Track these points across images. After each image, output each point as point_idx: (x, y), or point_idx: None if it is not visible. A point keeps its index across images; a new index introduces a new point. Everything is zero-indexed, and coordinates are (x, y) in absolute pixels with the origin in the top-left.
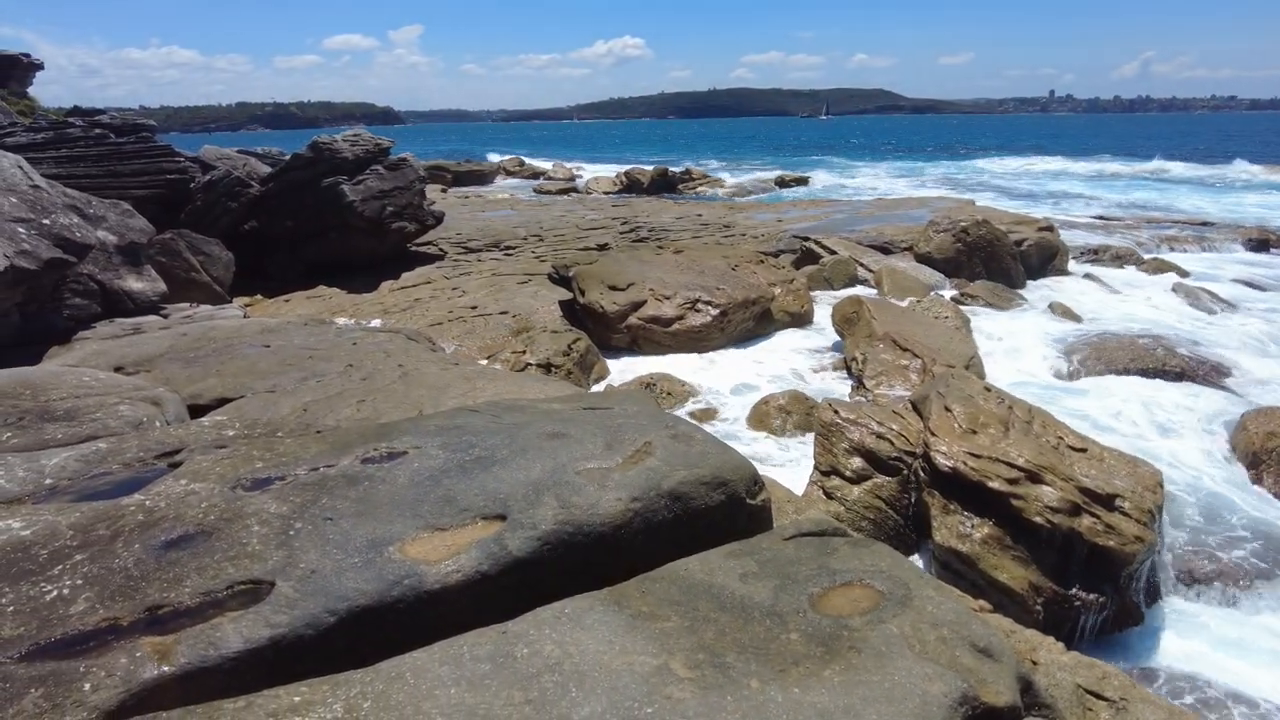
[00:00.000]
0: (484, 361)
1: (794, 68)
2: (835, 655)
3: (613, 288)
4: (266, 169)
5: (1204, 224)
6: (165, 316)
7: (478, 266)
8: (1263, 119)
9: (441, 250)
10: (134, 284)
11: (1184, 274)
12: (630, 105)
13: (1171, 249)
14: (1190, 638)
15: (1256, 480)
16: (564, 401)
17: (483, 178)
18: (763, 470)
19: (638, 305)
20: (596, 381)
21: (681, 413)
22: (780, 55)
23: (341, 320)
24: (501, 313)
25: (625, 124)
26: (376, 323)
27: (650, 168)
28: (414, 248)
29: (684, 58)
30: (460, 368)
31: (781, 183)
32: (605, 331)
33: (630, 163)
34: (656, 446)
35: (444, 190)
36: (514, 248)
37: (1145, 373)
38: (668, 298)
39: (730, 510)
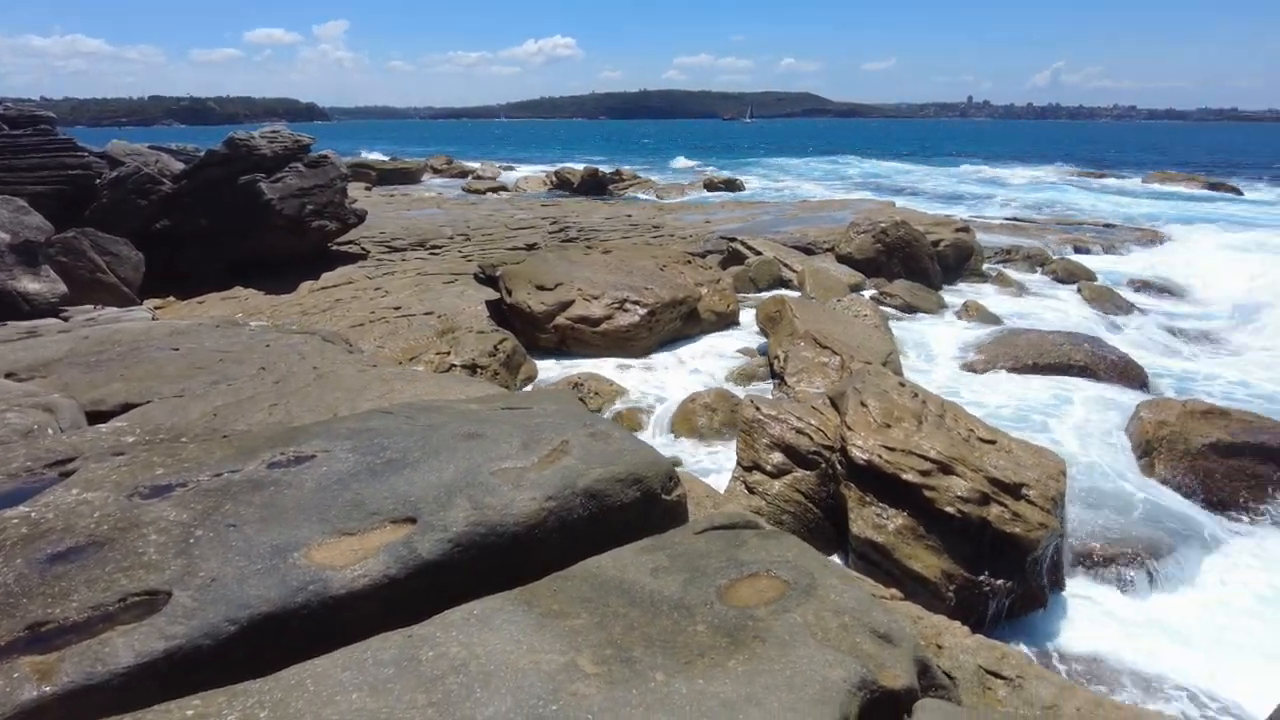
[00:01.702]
0: (407, 364)
1: (724, 70)
2: (740, 645)
3: (540, 287)
4: (180, 166)
5: (1106, 226)
6: (65, 319)
7: (402, 266)
8: (1158, 128)
9: (364, 250)
10: (29, 285)
11: (1090, 275)
12: (561, 105)
13: (1077, 250)
14: (1089, 618)
15: (1149, 468)
16: (483, 402)
17: (409, 176)
18: (687, 467)
19: (566, 305)
20: (524, 383)
21: (610, 412)
22: (711, 58)
23: (256, 322)
24: (426, 313)
25: (556, 124)
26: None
27: (580, 168)
28: (335, 247)
29: (615, 58)
30: (378, 369)
31: (710, 184)
32: (533, 332)
33: (560, 162)
34: (574, 445)
35: (368, 189)
36: (440, 247)
37: (1052, 368)
38: (596, 298)
39: (645, 507)
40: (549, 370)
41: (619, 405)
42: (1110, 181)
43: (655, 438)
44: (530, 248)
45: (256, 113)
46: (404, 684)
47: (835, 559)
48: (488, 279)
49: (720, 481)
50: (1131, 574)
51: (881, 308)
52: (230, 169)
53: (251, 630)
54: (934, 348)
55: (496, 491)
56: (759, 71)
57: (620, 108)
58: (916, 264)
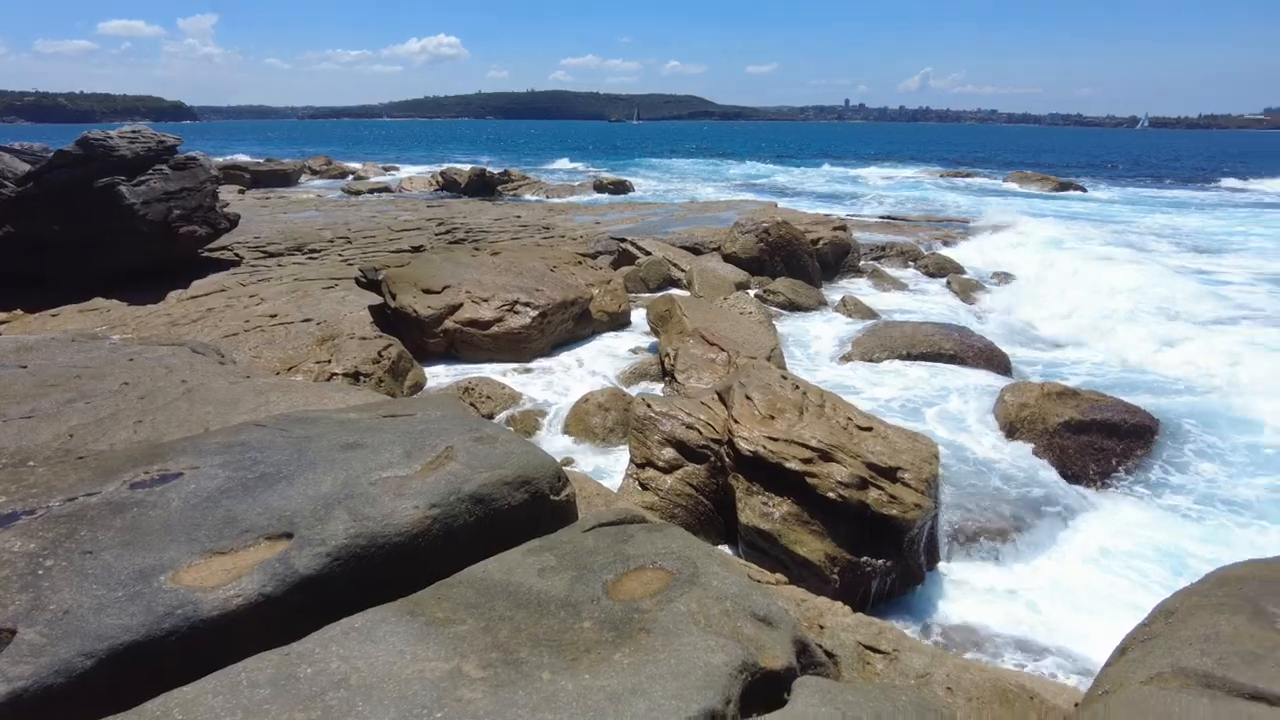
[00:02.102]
0: (285, 374)
1: (611, 72)
2: (626, 638)
3: (427, 291)
4: (25, 167)
5: (968, 222)
6: None
7: (279, 272)
8: (1016, 131)
9: (238, 256)
10: None
11: (958, 268)
12: (447, 104)
13: (945, 245)
14: (963, 590)
15: (1012, 448)
16: (363, 410)
17: (285, 178)
18: (582, 467)
19: (454, 308)
20: (412, 390)
21: (502, 416)
22: (597, 59)
23: (118, 336)
24: (305, 320)
25: (441, 123)
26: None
27: (468, 168)
28: (206, 254)
29: (501, 58)
30: (253, 380)
31: (600, 186)
32: (420, 337)
33: (447, 163)
34: (459, 451)
35: (242, 191)
36: (319, 251)
37: (924, 357)
38: (486, 300)
39: (534, 508)
40: (438, 376)
41: (512, 409)
42: (975, 181)
43: (550, 440)
44: (415, 250)
45: (115, 110)
46: (280, 704)
47: (726, 549)
48: (370, 283)
49: (616, 480)
50: (1000, 546)
51: (766, 305)
52: (85, 171)
53: (112, 663)
54: (815, 342)
55: (377, 502)
56: (645, 74)
57: (508, 108)
58: (798, 262)
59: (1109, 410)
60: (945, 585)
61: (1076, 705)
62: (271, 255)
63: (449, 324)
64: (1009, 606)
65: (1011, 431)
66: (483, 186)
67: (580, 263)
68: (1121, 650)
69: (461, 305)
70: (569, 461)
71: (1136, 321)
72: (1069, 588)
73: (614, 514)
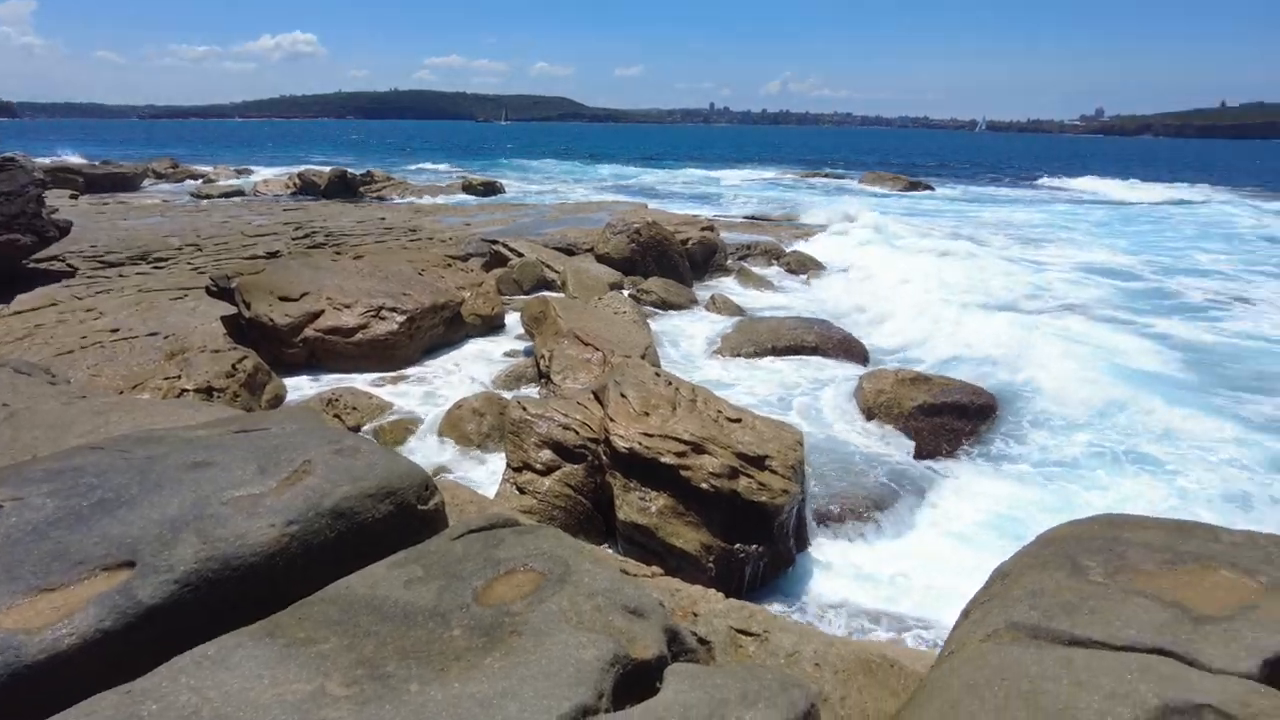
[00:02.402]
0: (130, 392)
1: (478, 72)
2: (497, 643)
3: (284, 298)
4: None
5: (820, 224)
6: None
7: (120, 283)
8: (870, 133)
9: (71, 266)
10: None
11: (818, 265)
12: (305, 104)
13: (805, 242)
14: (830, 569)
15: (872, 431)
16: (213, 427)
17: (126, 181)
18: (458, 474)
19: (314, 316)
20: (271, 404)
21: (371, 427)
22: (463, 59)
23: None
24: (151, 334)
25: (299, 124)
26: None
27: (327, 169)
28: (32, 265)
29: (362, 57)
30: (89, 400)
31: (469, 187)
32: (278, 347)
33: (305, 164)
34: (317, 464)
35: (74, 197)
36: (166, 259)
37: (790, 350)
38: (348, 306)
39: (400, 519)
40: (301, 388)
41: (381, 419)
42: (832, 181)
43: (422, 449)
44: (272, 255)
45: None
46: None
47: (606, 547)
48: (222, 292)
49: (495, 487)
50: (863, 525)
51: (639, 304)
52: None
53: None
54: (688, 339)
55: (229, 522)
56: (513, 74)
57: (370, 108)
58: (669, 262)
59: (956, 393)
60: (814, 566)
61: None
62: (111, 265)
63: (309, 333)
64: (873, 581)
65: (871, 416)
66: (344, 188)
67: (450, 265)
68: (965, 614)
69: (322, 312)
70: (443, 470)
71: (964, 308)
72: (927, 559)
73: (484, 519)
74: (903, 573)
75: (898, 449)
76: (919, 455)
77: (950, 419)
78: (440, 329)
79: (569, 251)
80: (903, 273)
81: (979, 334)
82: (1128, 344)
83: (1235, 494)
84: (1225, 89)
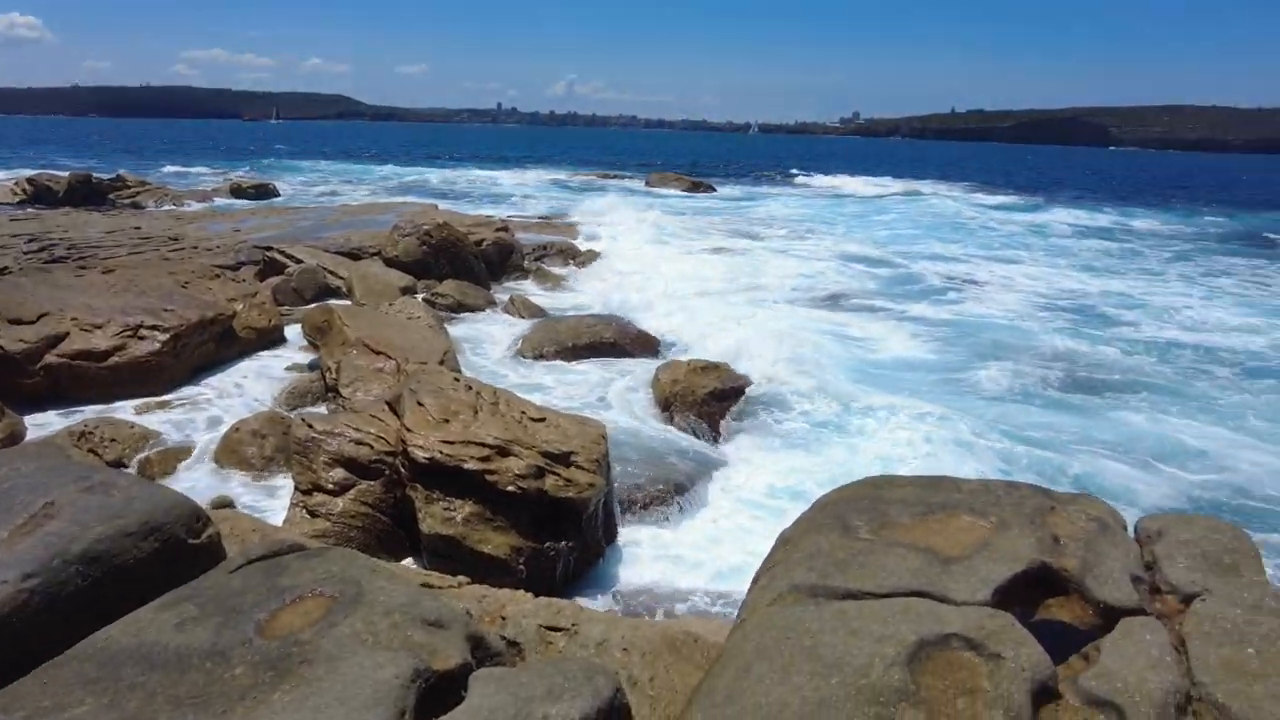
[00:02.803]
0: None
1: (244, 68)
2: (285, 675)
3: (17, 321)
4: None
5: (614, 222)
6: None
7: None
8: (654, 135)
9: None
10: None
11: (609, 263)
12: (31, 98)
13: (597, 241)
14: (638, 556)
15: (669, 420)
16: None
17: None
18: (241, 504)
19: (57, 340)
20: (6, 442)
21: (135, 461)
22: (226, 53)
23: None
24: None
25: (27, 121)
26: None
27: (66, 174)
28: None
29: (102, 46)
30: None
31: (238, 190)
32: (12, 378)
33: (38, 167)
34: (62, 506)
35: None
36: None
37: (590, 348)
38: (99, 326)
39: (168, 557)
40: (47, 424)
41: (147, 450)
42: (619, 182)
43: (196, 479)
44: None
45: None
46: None
47: (409, 562)
48: None
49: (282, 513)
50: (666, 510)
51: (434, 308)
52: None
53: None
54: (488, 342)
55: None
56: (284, 70)
57: (118, 104)
58: (463, 263)
59: (740, 378)
60: (623, 554)
61: None
62: None
63: (51, 359)
64: (679, 561)
65: (667, 406)
66: (89, 194)
67: (218, 276)
68: (755, 580)
69: (67, 335)
70: (222, 500)
71: (741, 300)
72: (725, 534)
73: (264, 547)
74: (704, 549)
75: (694, 434)
76: (712, 438)
77: (736, 402)
78: (211, 346)
79: (354, 256)
80: (686, 269)
81: (754, 323)
82: (883, 328)
83: (977, 445)
84: (954, 97)
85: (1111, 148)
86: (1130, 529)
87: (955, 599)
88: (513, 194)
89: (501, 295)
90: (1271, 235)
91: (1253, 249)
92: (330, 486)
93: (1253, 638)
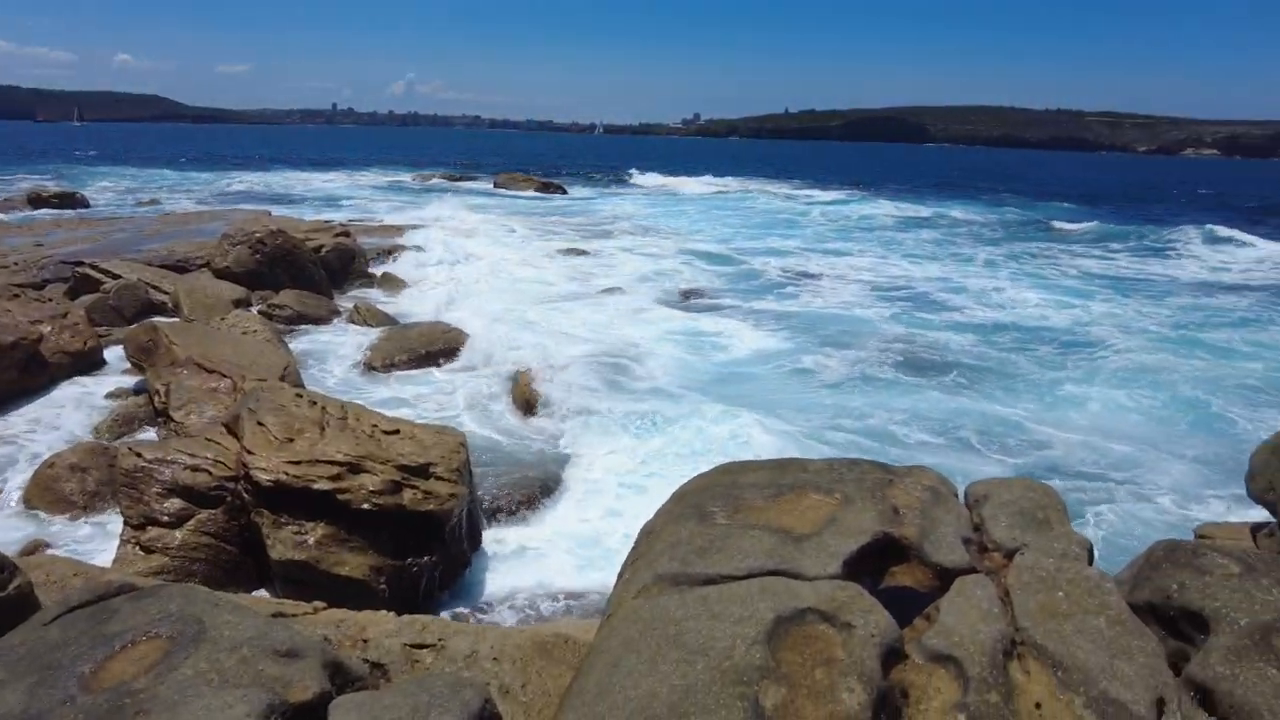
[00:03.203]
0: None
1: (35, 63)
2: None
3: None
4: None
5: (471, 225)
6: None
7: None
8: (500, 136)
9: None
10: None
11: (457, 267)
12: None
13: (442, 244)
14: (505, 562)
15: (529, 421)
16: None
17: None
18: (60, 547)
19: None
20: None
21: None
22: (11, 46)
23: None
24: None
25: None
26: None
27: None
28: None
29: None
30: None
31: (38, 199)
32: None
33: None
34: None
35: None
36: None
37: (442, 354)
38: None
39: None
40: None
41: None
42: (468, 184)
43: (3, 524)
44: None
45: None
46: None
47: (261, 592)
48: None
49: (111, 553)
50: (530, 514)
51: (272, 321)
52: None
53: None
54: (334, 354)
55: None
56: (88, 67)
57: None
58: (302, 272)
59: (595, 374)
60: (490, 562)
61: None
62: None
63: None
64: (546, 563)
65: (527, 408)
66: None
67: (18, 296)
68: (620, 575)
69: None
70: (36, 545)
71: (591, 298)
72: (591, 531)
73: (88, 591)
74: (570, 548)
75: (553, 434)
76: (571, 436)
77: (592, 399)
78: (13, 375)
79: (180, 269)
80: (538, 271)
81: (608, 322)
82: (730, 323)
83: (823, 429)
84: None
85: (928, 144)
86: (960, 495)
87: (808, 574)
88: (352, 197)
89: (345, 304)
90: (1056, 223)
91: (1043, 234)
92: (166, 519)
93: (1062, 582)
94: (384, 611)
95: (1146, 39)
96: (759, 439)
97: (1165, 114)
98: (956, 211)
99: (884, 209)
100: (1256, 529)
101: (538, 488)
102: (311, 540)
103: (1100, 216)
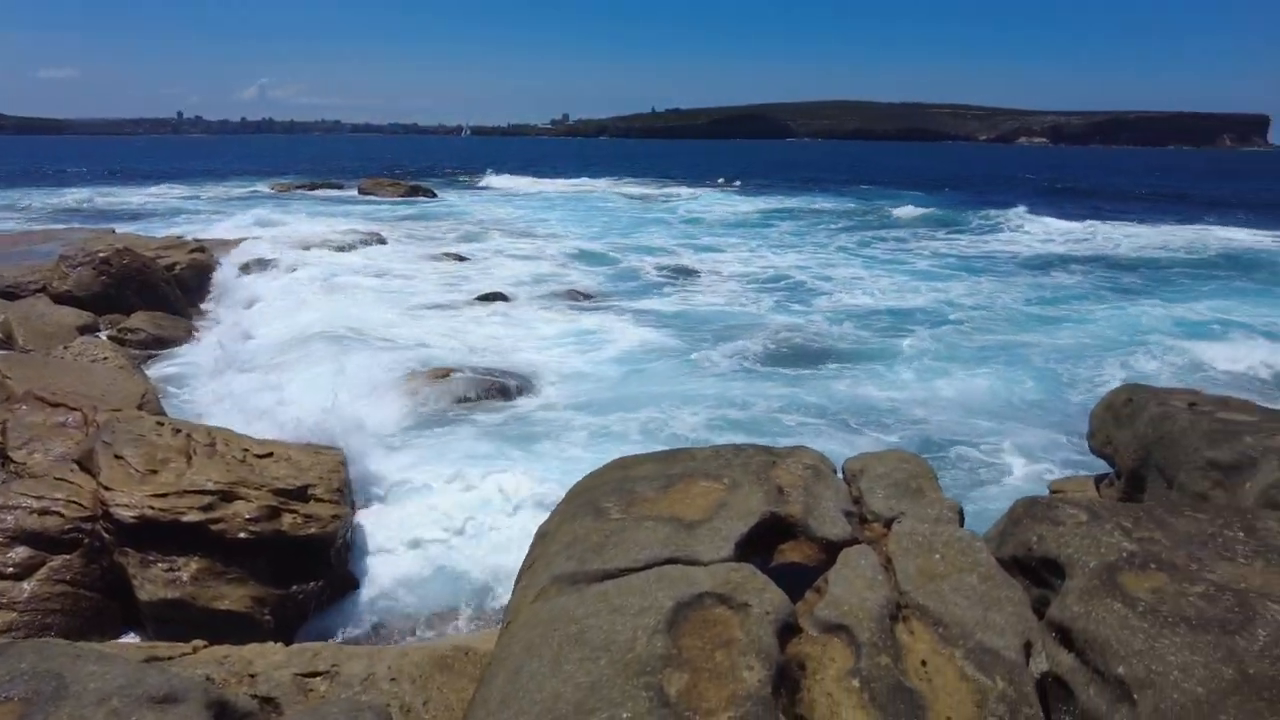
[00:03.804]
0: None
1: None
2: None
3: None
4: None
5: (339, 232)
6: None
7: None
8: (362, 141)
9: None
10: None
11: (325, 274)
12: None
13: (310, 250)
14: (396, 579)
15: (411, 432)
16: None
17: None
18: None
19: None
20: None
21: None
22: None
23: None
24: None
25: None
26: None
27: None
28: None
29: None
30: None
31: None
32: None
33: None
34: None
35: None
36: None
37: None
38: None
39: None
40: None
41: None
42: (331, 192)
43: None
44: None
45: None
46: None
47: (130, 636)
48: None
49: None
50: (420, 528)
51: (125, 346)
52: None
53: None
54: (196, 377)
55: None
56: None
57: None
58: (155, 293)
59: (479, 379)
60: (380, 580)
61: None
62: None
63: None
64: (442, 575)
65: (410, 416)
66: None
67: None
68: (518, 580)
69: None
70: None
71: (470, 303)
72: (488, 538)
73: None
74: (467, 558)
75: (440, 443)
76: (457, 443)
77: (481, 403)
78: None
79: (10, 295)
80: (411, 277)
81: (488, 325)
82: (612, 322)
83: (711, 419)
84: (655, 97)
85: (790, 139)
86: (839, 471)
87: (703, 560)
88: (202, 211)
89: (208, 323)
90: (909, 209)
91: (889, 222)
92: (11, 570)
93: (938, 545)
94: (271, 643)
95: (983, 34)
96: (650, 432)
97: (1002, 105)
98: (819, 203)
99: (752, 204)
100: (1099, 479)
101: (425, 501)
102: (185, 576)
103: (949, 203)
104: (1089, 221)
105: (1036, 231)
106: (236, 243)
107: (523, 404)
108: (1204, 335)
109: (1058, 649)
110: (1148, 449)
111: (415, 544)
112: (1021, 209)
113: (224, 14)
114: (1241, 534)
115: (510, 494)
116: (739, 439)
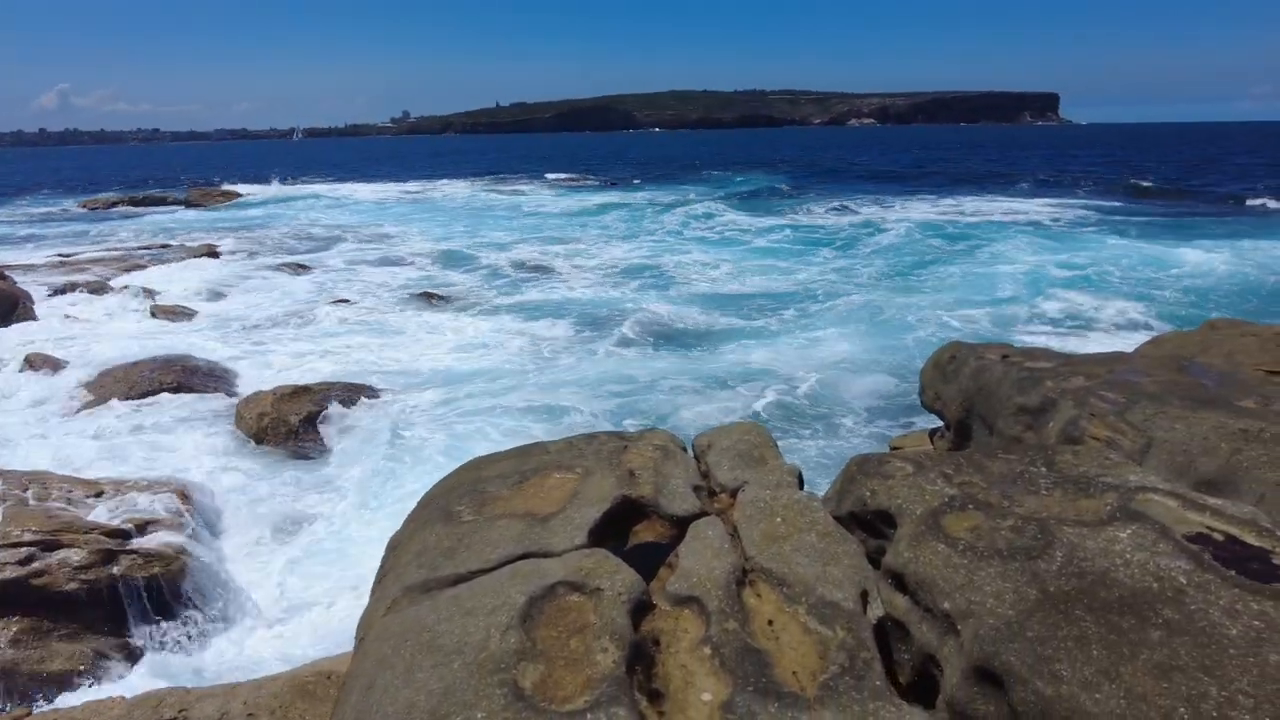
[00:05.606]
0: None
1: None
2: None
3: None
4: None
5: (163, 246)
6: None
7: None
8: (185, 149)
9: None
10: None
11: (153, 293)
12: None
13: (134, 271)
14: (255, 606)
15: (266, 453)
16: None
17: None
18: None
19: None
20: None
21: None
22: None
23: None
24: None
25: None
26: None
27: None
28: None
29: None
30: None
31: None
32: None
33: None
34: None
35: None
36: None
37: (148, 393)
38: None
39: None
40: None
41: None
42: (158, 206)
43: None
44: None
45: None
46: None
47: None
48: None
49: None
50: (280, 549)
51: None
52: None
53: None
54: (5, 412)
55: None
56: None
57: None
58: None
59: (338, 393)
60: (237, 610)
61: None
62: None
63: None
64: (304, 599)
65: (260, 440)
66: None
67: None
68: (371, 594)
69: None
70: None
71: (305, 318)
72: (349, 555)
73: None
74: (329, 576)
75: (290, 464)
76: (316, 458)
77: (334, 420)
78: None
79: None
80: (269, 290)
81: (341, 336)
82: (476, 320)
83: (572, 406)
84: (499, 92)
85: (635, 130)
86: (689, 448)
87: (556, 550)
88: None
89: (12, 353)
90: (763, 192)
91: (749, 204)
92: None
93: (778, 508)
94: (109, 698)
95: (813, 23)
96: (512, 430)
97: (833, 90)
98: (664, 194)
99: (600, 198)
100: (933, 433)
101: (285, 522)
102: (4, 641)
103: (801, 184)
104: (919, 201)
105: (871, 212)
106: (67, 264)
107: (381, 409)
108: (1025, 293)
109: (893, 593)
110: (970, 400)
111: (277, 569)
112: (856, 189)
113: (10, 13)
114: (1044, 469)
115: (372, 502)
116: (632, 420)
